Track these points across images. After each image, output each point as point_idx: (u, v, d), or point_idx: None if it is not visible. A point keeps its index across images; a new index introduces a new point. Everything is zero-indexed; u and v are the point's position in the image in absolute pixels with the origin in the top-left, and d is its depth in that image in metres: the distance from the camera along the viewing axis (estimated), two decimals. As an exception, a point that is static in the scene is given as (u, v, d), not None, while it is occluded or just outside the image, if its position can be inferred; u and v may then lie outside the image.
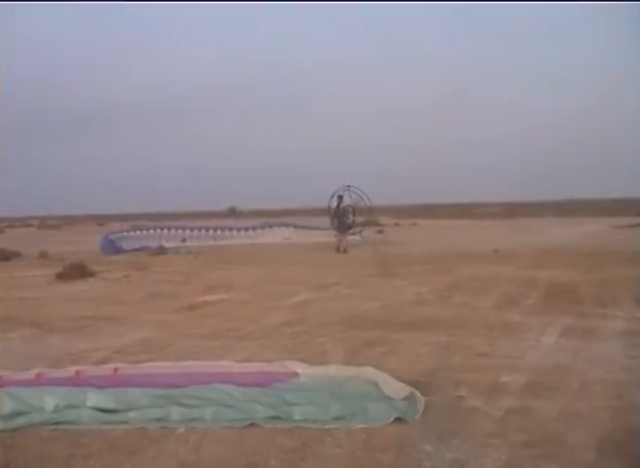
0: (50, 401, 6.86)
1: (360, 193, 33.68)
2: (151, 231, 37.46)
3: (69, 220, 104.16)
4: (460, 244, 33.06)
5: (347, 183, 33.18)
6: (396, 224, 58.32)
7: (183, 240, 36.76)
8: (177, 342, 10.83)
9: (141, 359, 9.25)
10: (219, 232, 39.60)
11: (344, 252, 30.03)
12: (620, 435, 6.35)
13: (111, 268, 23.45)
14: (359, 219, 35.68)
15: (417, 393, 7.00)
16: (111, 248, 32.37)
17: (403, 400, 6.97)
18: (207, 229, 39.54)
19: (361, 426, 6.56)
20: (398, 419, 6.67)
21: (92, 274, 21.03)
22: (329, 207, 32.22)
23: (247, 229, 39.86)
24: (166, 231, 37.69)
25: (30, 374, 7.75)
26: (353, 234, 33.69)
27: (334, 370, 7.99)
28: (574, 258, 23.52)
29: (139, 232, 37.14)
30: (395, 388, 7.20)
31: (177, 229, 38.35)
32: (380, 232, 43.79)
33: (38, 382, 7.40)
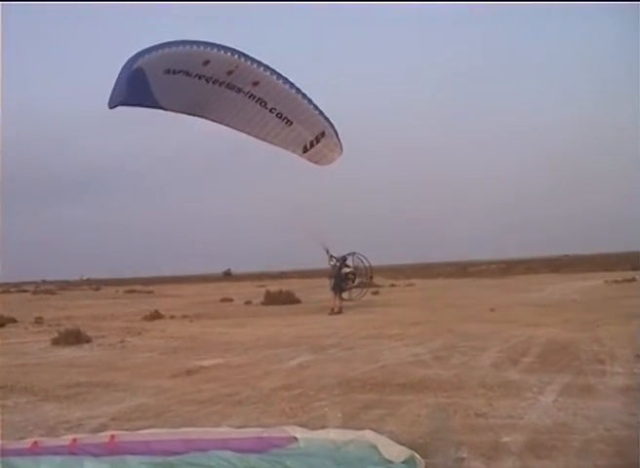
0: (46, 470, 6.77)
1: (363, 259, 33.14)
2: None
3: (64, 285, 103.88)
4: (457, 303, 33.04)
5: (353, 250, 32.72)
6: (392, 285, 58.23)
7: None
8: (174, 408, 10.75)
9: (138, 426, 9.19)
10: None
11: (339, 312, 29.84)
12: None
13: (107, 334, 23.34)
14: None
15: (417, 456, 6.94)
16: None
17: (403, 463, 6.90)
18: None
19: (362, 491, 6.49)
20: (399, 483, 6.60)
21: (87, 340, 20.93)
22: (331, 261, 31.70)
23: None
24: None
25: (26, 443, 7.68)
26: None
27: (333, 433, 7.93)
28: (570, 315, 23.52)
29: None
30: (395, 451, 7.13)
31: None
32: (376, 293, 43.73)
33: (34, 451, 7.32)
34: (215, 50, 15.21)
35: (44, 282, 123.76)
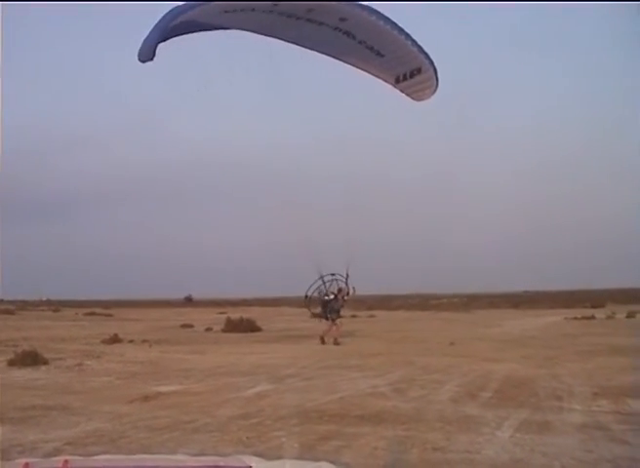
0: (-4, 495, 6.66)
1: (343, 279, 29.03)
2: None
3: (23, 305, 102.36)
4: (417, 336, 33.10)
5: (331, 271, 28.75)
6: (353, 316, 58.08)
7: None
8: (130, 434, 10.64)
9: (93, 451, 9.06)
10: None
11: (337, 343, 28.32)
12: None
13: (65, 356, 23.06)
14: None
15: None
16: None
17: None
18: None
19: (316, 523, 6.46)
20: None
21: (44, 362, 20.66)
22: (320, 292, 28.97)
23: None
24: None
25: (-23, 467, 7.54)
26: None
27: (289, 464, 7.87)
28: (529, 351, 23.65)
29: None
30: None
31: None
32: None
33: (-15, 476, 7.20)
34: None
35: (2, 301, 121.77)
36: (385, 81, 18.29)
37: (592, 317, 45.89)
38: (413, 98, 19.42)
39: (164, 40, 13.90)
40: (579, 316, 46.83)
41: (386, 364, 20.23)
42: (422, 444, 9.83)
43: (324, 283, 28.59)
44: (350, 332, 35.65)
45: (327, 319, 29.52)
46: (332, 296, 28.85)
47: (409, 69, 17.98)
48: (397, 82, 18.27)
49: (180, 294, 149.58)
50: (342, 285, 28.81)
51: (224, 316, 47.77)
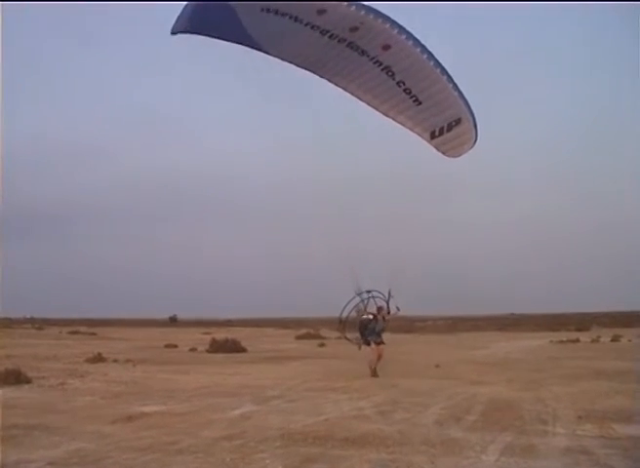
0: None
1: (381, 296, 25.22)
2: None
3: (7, 323, 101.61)
4: (402, 358, 33.05)
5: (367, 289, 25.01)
6: (338, 338, 57.90)
7: None
8: (113, 455, 10.56)
9: (76, 472, 9.02)
10: None
11: (374, 374, 24.14)
12: None
13: (48, 375, 22.91)
14: None
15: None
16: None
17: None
18: None
19: None
20: None
21: (28, 380, 20.52)
22: (360, 313, 25.41)
23: None
24: None
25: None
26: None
27: (273, 486, 7.87)
28: (514, 374, 23.68)
29: None
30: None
31: None
32: (322, 346, 43.59)
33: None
34: None
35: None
36: (419, 135, 16.88)
37: (577, 340, 46.09)
38: (448, 155, 17.36)
39: (203, 32, 13.16)
40: (564, 339, 47.05)
41: (371, 386, 20.21)
42: (407, 467, 9.81)
43: (362, 301, 24.83)
44: (336, 354, 35.71)
45: (368, 344, 24.87)
46: (370, 316, 24.91)
47: (447, 121, 15.97)
48: (432, 137, 16.67)
49: (165, 314, 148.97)
50: (382, 303, 24.82)
51: (209, 336, 47.65)
